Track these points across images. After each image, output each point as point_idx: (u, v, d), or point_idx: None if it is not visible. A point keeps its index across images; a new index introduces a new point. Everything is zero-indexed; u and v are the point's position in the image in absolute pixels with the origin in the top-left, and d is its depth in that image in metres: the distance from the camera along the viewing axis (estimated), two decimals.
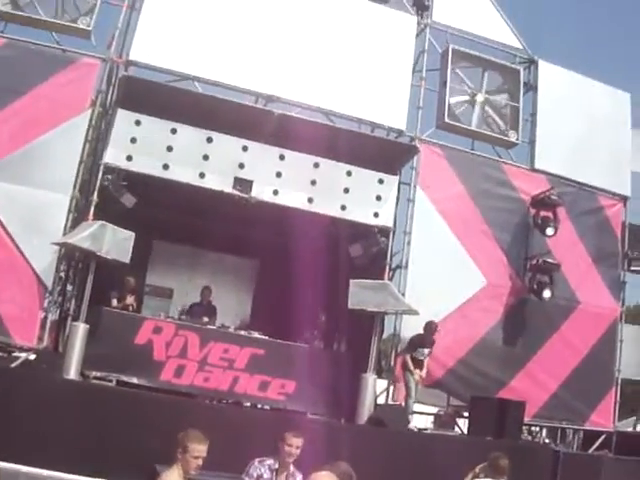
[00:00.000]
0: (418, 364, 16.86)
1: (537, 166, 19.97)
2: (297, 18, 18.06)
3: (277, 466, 9.45)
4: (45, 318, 15.94)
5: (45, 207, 15.85)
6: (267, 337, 16.54)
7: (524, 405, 17.02)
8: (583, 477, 16.27)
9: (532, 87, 20.70)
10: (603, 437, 19.89)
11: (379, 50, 18.46)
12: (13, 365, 15.25)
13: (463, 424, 18.99)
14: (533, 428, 23.23)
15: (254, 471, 9.43)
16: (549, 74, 20.78)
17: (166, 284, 19.69)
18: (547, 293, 18.70)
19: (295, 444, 9.52)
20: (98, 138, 17.20)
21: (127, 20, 17.69)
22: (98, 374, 14.87)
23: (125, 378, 15.05)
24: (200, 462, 7.44)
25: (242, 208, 16.65)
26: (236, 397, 15.93)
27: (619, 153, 21.13)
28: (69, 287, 17.67)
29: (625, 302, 21.33)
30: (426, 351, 16.91)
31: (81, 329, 14.60)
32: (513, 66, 20.53)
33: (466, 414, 18.36)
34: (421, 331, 17.07)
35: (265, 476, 9.41)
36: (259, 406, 16.19)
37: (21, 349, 15.81)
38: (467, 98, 19.67)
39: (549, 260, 18.92)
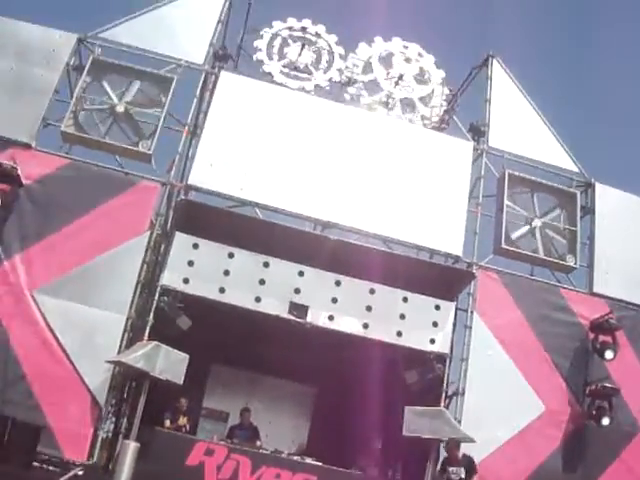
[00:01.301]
0: None
1: (596, 290, 19.68)
2: (355, 145, 18.41)
3: None
4: (97, 435, 15.92)
5: (101, 326, 16.01)
6: (321, 463, 16.28)
7: None
8: None
9: (589, 210, 20.56)
10: None
11: (436, 176, 18.66)
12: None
13: None
14: None
15: None
16: (606, 197, 20.65)
17: (222, 407, 19.60)
18: (606, 420, 18.23)
19: None
20: (157, 260, 17.41)
21: (187, 145, 18.09)
22: None
23: None
24: None
25: (299, 333, 16.69)
26: None
27: None
28: (123, 406, 17.68)
29: None
30: (460, 470, 16.05)
31: (132, 447, 14.66)
32: (570, 190, 20.48)
33: None
34: (477, 459, 16.85)
35: None
36: None
37: (72, 464, 15.65)
38: (524, 223, 19.61)
39: (608, 385, 18.48)
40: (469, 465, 16.12)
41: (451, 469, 16.01)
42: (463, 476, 15.95)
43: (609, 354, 18.61)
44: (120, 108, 17.78)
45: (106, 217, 16.70)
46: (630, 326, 19.47)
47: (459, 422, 17.14)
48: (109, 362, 15.54)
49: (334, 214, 17.69)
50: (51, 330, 15.85)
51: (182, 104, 18.58)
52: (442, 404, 17.18)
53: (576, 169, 20.68)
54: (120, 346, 16.05)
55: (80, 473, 15.51)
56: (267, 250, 16.44)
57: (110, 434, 17.86)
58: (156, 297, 16.16)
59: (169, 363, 15.21)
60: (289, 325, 16.49)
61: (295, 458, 16.79)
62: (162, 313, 16.08)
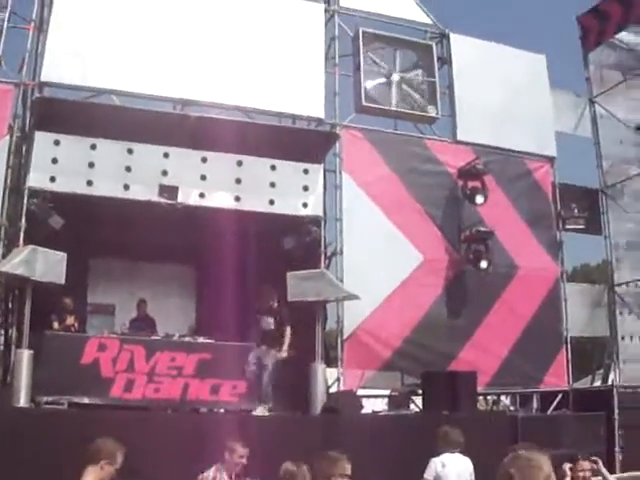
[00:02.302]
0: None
1: (460, 138, 20.13)
2: (205, 19, 17.97)
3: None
4: None
5: None
6: (213, 340, 16.49)
7: (475, 375, 17.13)
8: (543, 438, 16.26)
9: (446, 60, 20.83)
10: (560, 397, 20.07)
11: (290, 42, 18.46)
12: None
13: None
14: (491, 397, 23.41)
15: None
16: (462, 46, 20.94)
17: (107, 301, 19.41)
18: (484, 263, 18.91)
19: (245, 454, 9.71)
20: (20, 163, 17.05)
21: (36, 42, 17.51)
22: (49, 399, 14.64)
23: (76, 399, 14.84)
24: None
25: (171, 215, 16.55)
26: (189, 404, 15.86)
27: (541, 115, 21.37)
28: (10, 316, 17.52)
29: (570, 262, 21.63)
30: (270, 320, 16.25)
31: (25, 355, 14.43)
32: (425, 42, 20.67)
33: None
34: (363, 315, 17.46)
35: None
36: (215, 410, 16.05)
37: None
38: (383, 79, 19.69)
39: (482, 229, 19.11)
40: (283, 314, 16.27)
41: (263, 318, 16.22)
42: (272, 327, 16.04)
43: (479, 199, 19.17)
44: None
45: None
46: (498, 170, 20.06)
47: (341, 281, 17.52)
48: None
49: (192, 91, 17.43)
50: None
51: (26, 1, 17.95)
52: (322, 265, 17.47)
53: (429, 21, 20.82)
54: None
55: None
56: (129, 136, 16.02)
57: (2, 347, 17.68)
58: (25, 200, 15.69)
59: (48, 265, 14.90)
60: (161, 208, 16.29)
61: (187, 339, 16.90)
62: (33, 216, 15.66)
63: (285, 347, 15.80)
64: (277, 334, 15.95)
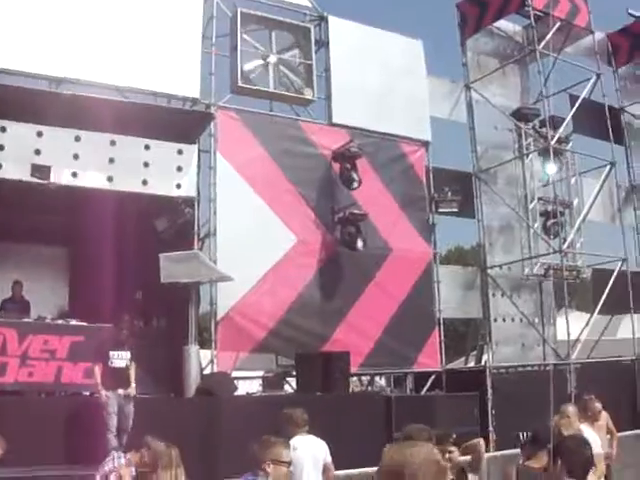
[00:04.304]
0: None
1: (335, 121, 20.25)
2: None
3: None
4: None
5: None
6: (85, 323, 16.30)
7: (348, 355, 17.37)
8: (417, 417, 16.53)
9: (324, 43, 20.89)
10: (433, 377, 20.52)
11: (167, 21, 18.20)
12: None
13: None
14: (365, 377, 23.70)
15: None
16: (340, 29, 21.05)
17: None
18: (360, 244, 19.07)
19: None
20: None
21: None
22: None
23: None
24: None
25: (43, 195, 16.28)
26: (63, 388, 15.68)
27: (417, 100, 21.69)
28: None
29: (445, 245, 22.05)
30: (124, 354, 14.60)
31: None
32: (303, 24, 20.64)
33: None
34: (237, 297, 17.52)
35: None
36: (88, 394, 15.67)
37: None
38: (260, 61, 19.54)
39: (356, 211, 19.28)
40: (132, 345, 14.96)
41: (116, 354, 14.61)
42: (124, 365, 14.45)
43: (353, 182, 19.30)
44: None
45: None
46: (372, 153, 20.30)
47: (215, 262, 17.47)
48: None
49: (68, 69, 16.94)
50: None
51: None
52: (196, 247, 17.48)
53: (308, 4, 20.83)
54: None
55: None
56: (2, 114, 15.64)
57: None
58: None
59: None
60: (32, 188, 15.97)
61: (59, 322, 16.70)
62: None
63: (133, 383, 14.26)
64: (126, 372, 14.34)
